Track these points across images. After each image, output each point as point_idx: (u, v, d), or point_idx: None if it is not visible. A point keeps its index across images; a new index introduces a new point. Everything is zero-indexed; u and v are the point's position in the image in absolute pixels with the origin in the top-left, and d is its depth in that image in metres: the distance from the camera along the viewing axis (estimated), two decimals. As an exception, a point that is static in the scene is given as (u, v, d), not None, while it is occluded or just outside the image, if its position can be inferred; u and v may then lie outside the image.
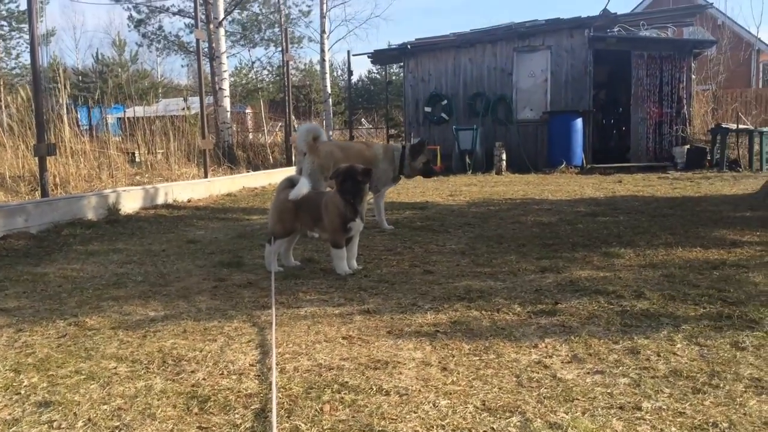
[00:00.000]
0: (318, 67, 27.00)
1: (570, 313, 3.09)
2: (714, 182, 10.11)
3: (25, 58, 31.74)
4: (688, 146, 13.51)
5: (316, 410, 2.07)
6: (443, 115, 15.14)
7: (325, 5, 22.32)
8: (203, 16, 14.38)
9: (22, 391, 2.29)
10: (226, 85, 15.29)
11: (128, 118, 14.18)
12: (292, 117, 15.16)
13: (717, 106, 17.46)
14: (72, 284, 3.96)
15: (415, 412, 2.05)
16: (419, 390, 2.22)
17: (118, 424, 2.02)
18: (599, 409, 2.04)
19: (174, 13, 21.53)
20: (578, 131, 13.43)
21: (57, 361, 2.57)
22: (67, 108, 10.62)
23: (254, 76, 31.71)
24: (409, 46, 15.52)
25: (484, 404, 2.10)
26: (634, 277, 3.80)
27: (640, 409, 2.04)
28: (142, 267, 4.46)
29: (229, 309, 3.32)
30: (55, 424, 2.02)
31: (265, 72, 31.00)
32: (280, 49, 23.24)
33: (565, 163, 13.18)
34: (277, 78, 28.57)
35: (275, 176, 11.32)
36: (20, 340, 2.87)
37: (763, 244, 4.74)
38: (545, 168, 13.35)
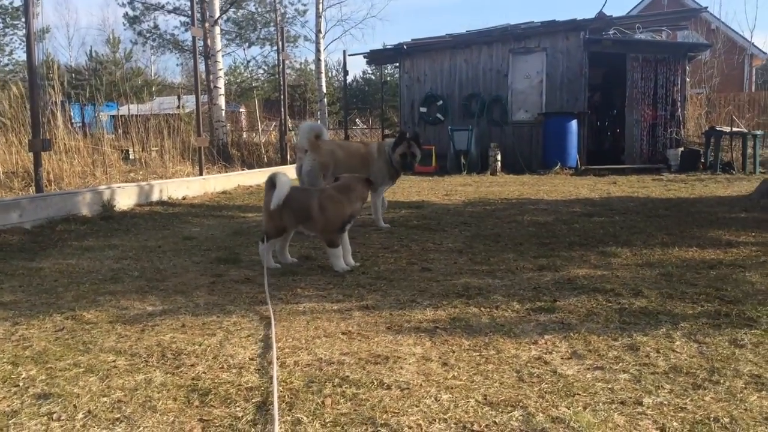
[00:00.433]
0: (313, 67, 26.99)
1: (569, 310, 3.10)
2: (708, 184, 10.16)
3: (19, 55, 31.64)
4: (682, 149, 13.57)
5: (317, 404, 2.07)
6: (438, 115, 15.15)
7: (321, 5, 22.33)
8: (199, 14, 14.34)
9: (21, 384, 2.27)
10: (221, 83, 15.25)
11: (122, 115, 14.11)
12: (287, 116, 15.14)
13: (711, 109, 17.56)
14: (68, 279, 3.94)
15: (417, 406, 2.05)
16: (420, 384, 2.22)
17: (118, 416, 2.00)
18: (600, 404, 2.04)
19: (169, 11, 21.53)
20: (573, 133, 13.46)
21: (55, 354, 2.56)
22: (61, 105, 10.56)
23: (249, 75, 31.67)
24: (404, 47, 15.52)
25: (485, 398, 2.10)
26: (631, 275, 3.81)
27: (641, 404, 2.04)
28: (138, 263, 4.43)
29: (227, 304, 3.31)
30: (54, 416, 2.01)
31: (261, 71, 30.99)
32: (275, 48, 23.22)
33: (559, 164, 13.21)
34: (272, 77, 28.54)
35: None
36: (17, 334, 2.85)
37: (758, 244, 4.76)
38: (540, 169, 13.37)
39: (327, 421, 1.95)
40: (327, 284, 3.72)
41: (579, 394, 2.12)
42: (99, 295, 3.51)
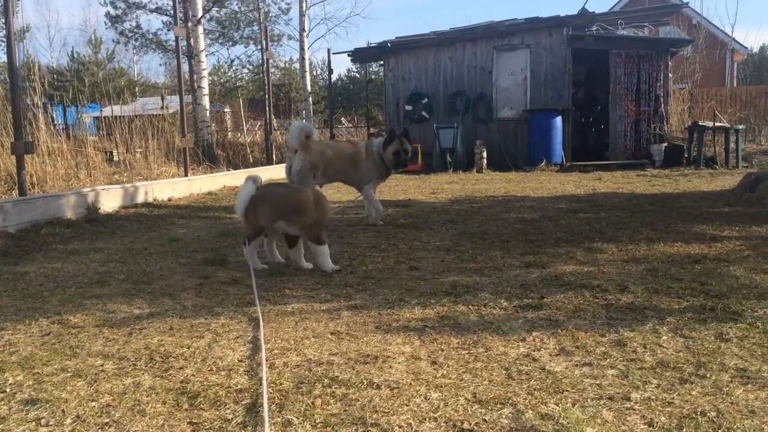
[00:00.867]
0: (297, 66, 26.90)
1: (556, 307, 3.12)
2: (692, 179, 10.26)
3: (-1, 56, 31.15)
4: (665, 144, 13.69)
5: (307, 404, 2.07)
6: (424, 113, 15.17)
7: (304, 3, 22.28)
8: (181, 14, 14.25)
9: (8, 389, 2.25)
10: (205, 83, 15.18)
11: (105, 117, 13.99)
12: (272, 116, 15.08)
13: (693, 105, 17.72)
14: (53, 283, 3.90)
15: (407, 405, 2.05)
16: (410, 383, 2.23)
17: (107, 420, 1.99)
18: (589, 400, 2.06)
19: (151, 11, 21.38)
20: (558, 129, 13.53)
21: (42, 359, 2.53)
22: (43, 107, 10.45)
23: (233, 75, 31.52)
24: (389, 45, 15.53)
25: (475, 396, 2.11)
26: (617, 271, 3.84)
27: (629, 399, 2.06)
28: (124, 265, 4.40)
29: (215, 306, 3.29)
30: (43, 422, 1.99)
31: (245, 70, 30.84)
32: (259, 47, 23.11)
33: (545, 161, 13.27)
34: (257, 76, 28.41)
35: (256, 175, 11.24)
36: (3, 339, 2.82)
37: (742, 238, 4.82)
38: (525, 166, 13.43)
39: (317, 421, 1.95)
40: (315, 284, 3.72)
41: (567, 391, 2.14)
42: (85, 299, 3.48)
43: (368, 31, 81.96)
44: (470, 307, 3.17)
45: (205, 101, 15.11)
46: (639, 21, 16.59)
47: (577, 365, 2.37)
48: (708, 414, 1.94)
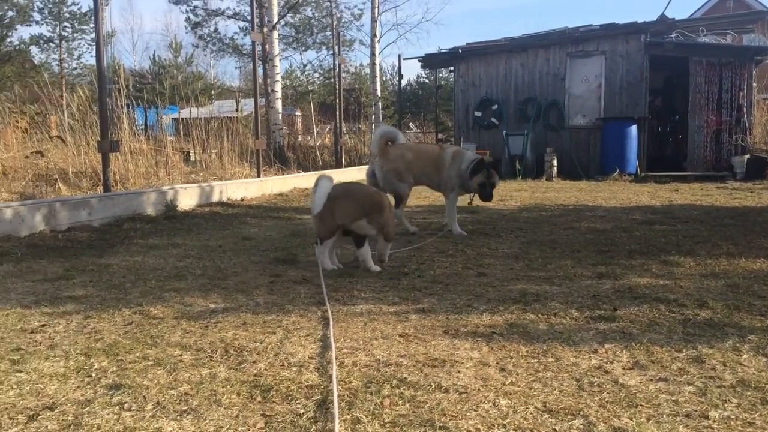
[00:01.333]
0: (368, 71, 27.17)
1: (629, 319, 3.04)
2: (776, 193, 9.77)
3: (86, 59, 32.84)
4: (747, 156, 13.09)
5: (376, 404, 2.09)
6: (493, 119, 15.05)
7: (376, 9, 22.49)
8: (258, 20, 14.64)
9: (93, 374, 2.38)
10: (278, 87, 15.53)
11: (183, 118, 14.55)
12: (342, 120, 15.29)
13: (779, 115, 16.85)
14: (135, 275, 4.09)
15: (475, 410, 2.05)
16: (478, 389, 2.22)
17: (185, 408, 2.08)
18: (665, 416, 2.00)
19: (229, 17, 22.07)
20: (633, 138, 13.17)
21: (125, 347, 2.66)
22: (126, 108, 10.95)
23: (305, 79, 32.11)
24: (460, 51, 15.48)
25: (545, 406, 2.08)
26: (695, 286, 3.71)
27: (707, 417, 1.99)
28: (200, 261, 4.57)
29: (286, 304, 3.37)
30: (125, 406, 2.10)
31: (316, 75, 31.36)
32: (331, 52, 23.50)
33: (618, 170, 12.93)
34: (328, 81, 28.86)
35: (325, 177, 11.42)
36: (89, 327, 2.98)
37: (831, 256, 4.56)
38: (597, 175, 13.12)
39: (386, 421, 1.97)
40: (383, 287, 3.76)
41: (642, 405, 2.08)
42: (164, 292, 3.64)
43: (439, 37, 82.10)
44: (540, 315, 3.13)
45: (278, 104, 15.46)
46: (721, 28, 15.94)
47: (651, 380, 2.30)
48: (793, 437, 1.86)
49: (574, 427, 1.93)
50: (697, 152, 13.70)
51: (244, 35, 23.99)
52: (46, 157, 10.08)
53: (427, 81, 36.60)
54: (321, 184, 4.07)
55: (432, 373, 2.37)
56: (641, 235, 5.58)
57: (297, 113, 26.59)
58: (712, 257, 4.53)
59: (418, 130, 30.45)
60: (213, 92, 32.00)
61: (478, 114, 15.22)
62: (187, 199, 7.67)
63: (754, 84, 14.30)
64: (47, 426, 1.96)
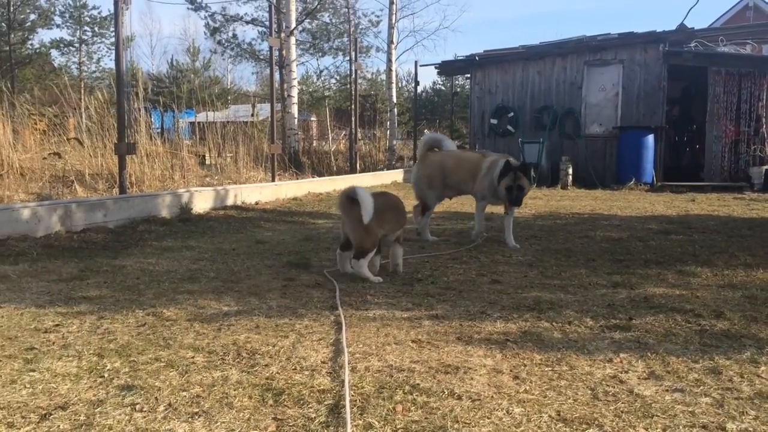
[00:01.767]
0: (384, 77, 27.22)
1: (645, 329, 3.00)
2: (795, 205, 9.64)
3: (105, 63, 33.16)
4: (766, 167, 12.93)
5: (388, 409, 2.08)
6: (509, 127, 15.00)
7: (394, 16, 22.52)
8: (276, 25, 14.72)
9: (106, 375, 2.38)
10: (294, 92, 15.58)
11: (199, 122, 14.64)
12: (357, 126, 15.30)
13: (799, 126, 16.63)
14: (149, 277, 4.11)
15: (488, 418, 2.03)
16: (492, 396, 2.20)
17: (197, 410, 2.08)
18: (681, 427, 1.97)
19: (247, 22, 22.20)
20: (649, 148, 13.05)
21: (137, 348, 2.67)
22: (143, 111, 11.03)
23: (321, 85, 32.24)
24: (476, 58, 15.46)
25: (559, 414, 2.06)
26: (712, 296, 3.66)
27: (724, 429, 1.96)
28: (214, 264, 4.58)
29: (299, 308, 3.37)
30: (137, 407, 2.10)
31: (332, 81, 31.48)
32: (348, 57, 23.57)
33: (634, 179, 12.82)
34: (344, 87, 28.95)
35: (339, 183, 11.46)
36: (102, 327, 3.00)
37: None
38: (613, 184, 13.02)
39: (398, 427, 1.96)
40: (396, 292, 3.74)
41: (657, 416, 2.05)
42: (178, 294, 3.64)
43: (455, 44, 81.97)
44: (554, 323, 3.10)
45: (294, 110, 15.51)
46: (741, 38, 15.79)
47: (667, 390, 2.27)
48: (813, 452, 1.82)
49: (589, 437, 1.91)
50: (715, 162, 13.55)
51: (262, 40, 24.16)
52: (63, 158, 10.17)
53: (443, 88, 36.66)
54: (365, 194, 3.85)
55: (445, 379, 2.36)
56: (657, 244, 5.52)
57: (312, 118, 26.68)
58: (729, 268, 4.48)
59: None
60: (229, 97, 32.19)
61: (494, 121, 15.18)
62: (202, 202, 7.70)
63: (774, 94, 14.13)
64: (59, 425, 1.97)
